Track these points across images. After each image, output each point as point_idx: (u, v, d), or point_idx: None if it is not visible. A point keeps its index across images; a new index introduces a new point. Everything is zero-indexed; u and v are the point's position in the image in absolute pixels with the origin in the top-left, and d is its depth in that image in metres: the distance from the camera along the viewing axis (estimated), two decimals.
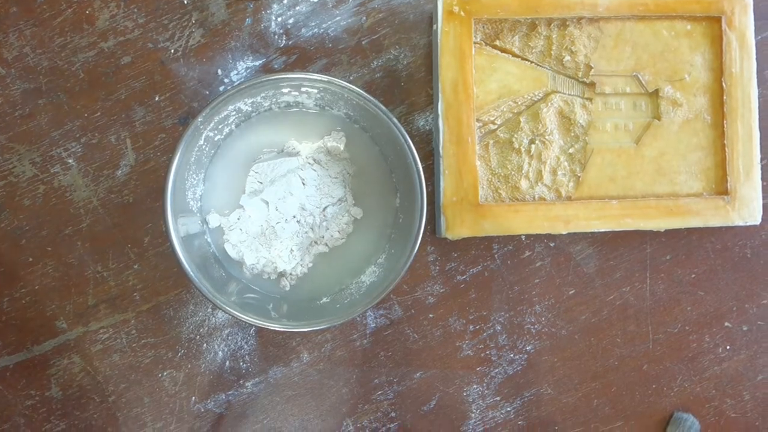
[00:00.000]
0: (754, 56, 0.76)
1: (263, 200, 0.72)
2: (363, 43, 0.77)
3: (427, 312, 0.77)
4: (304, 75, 0.68)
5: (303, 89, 0.70)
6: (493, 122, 0.75)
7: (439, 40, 0.74)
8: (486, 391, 0.78)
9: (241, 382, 0.76)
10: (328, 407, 0.77)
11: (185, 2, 0.76)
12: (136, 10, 0.76)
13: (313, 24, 0.77)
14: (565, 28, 0.76)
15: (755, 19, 0.76)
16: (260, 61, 0.77)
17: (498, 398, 0.78)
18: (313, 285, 0.75)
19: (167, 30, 0.76)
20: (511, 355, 0.78)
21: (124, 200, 0.76)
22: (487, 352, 0.78)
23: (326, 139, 0.74)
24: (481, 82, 0.75)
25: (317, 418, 0.77)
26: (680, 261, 0.79)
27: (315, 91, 0.70)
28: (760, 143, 0.77)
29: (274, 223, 0.72)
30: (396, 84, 0.77)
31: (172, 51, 0.76)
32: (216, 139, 0.72)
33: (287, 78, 0.68)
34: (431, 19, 0.78)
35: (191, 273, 0.66)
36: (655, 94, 0.76)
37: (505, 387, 0.78)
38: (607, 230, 0.75)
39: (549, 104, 0.75)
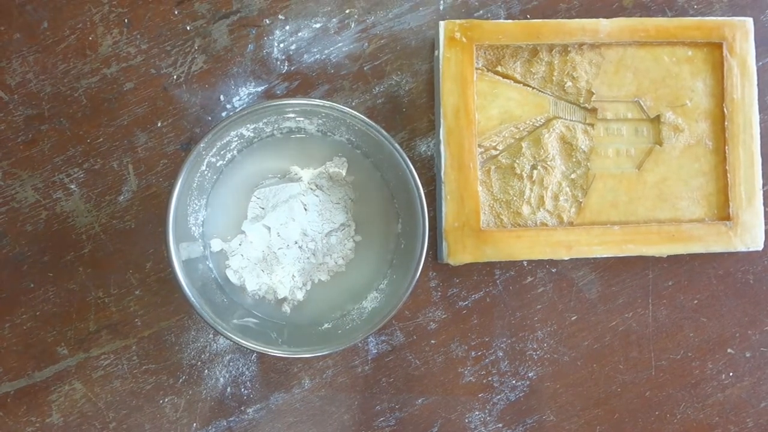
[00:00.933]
0: (756, 82, 0.76)
1: (265, 226, 0.72)
2: (365, 69, 0.78)
3: (428, 338, 0.77)
4: (306, 101, 0.68)
5: (305, 115, 0.71)
6: (494, 148, 0.75)
7: (440, 66, 0.74)
8: (488, 418, 0.78)
9: (242, 408, 0.76)
10: None
11: (188, 28, 0.76)
12: (138, 36, 0.76)
13: (315, 50, 0.77)
14: (566, 54, 0.76)
15: (756, 46, 0.77)
16: (262, 87, 0.77)
17: (500, 425, 0.78)
18: (314, 311, 0.75)
19: (170, 56, 0.76)
20: (513, 382, 0.78)
21: (126, 226, 0.76)
22: (489, 379, 0.78)
23: (328, 165, 0.74)
24: (482, 107, 0.75)
25: None
26: (682, 287, 0.79)
27: (317, 116, 0.71)
28: (762, 169, 0.77)
29: (276, 249, 0.72)
30: (398, 110, 0.78)
31: (175, 77, 0.76)
32: (218, 164, 0.72)
33: (289, 104, 0.68)
34: (433, 45, 0.78)
35: (192, 299, 0.66)
36: (656, 120, 0.76)
37: (507, 413, 0.78)
38: (609, 256, 0.75)
39: (551, 130, 0.75)
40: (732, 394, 0.79)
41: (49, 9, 0.76)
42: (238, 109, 0.76)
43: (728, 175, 0.76)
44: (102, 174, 0.76)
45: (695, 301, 0.79)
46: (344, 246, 0.74)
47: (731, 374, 0.79)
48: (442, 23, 0.74)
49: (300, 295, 0.73)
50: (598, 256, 0.75)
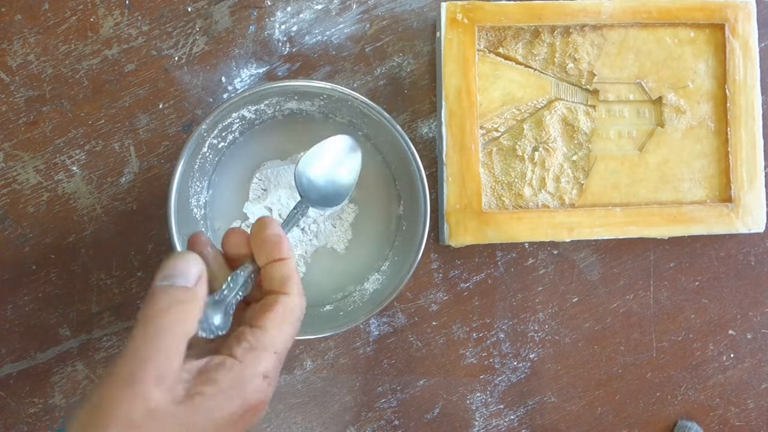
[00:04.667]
0: (758, 64, 0.76)
1: (267, 207, 0.73)
2: (366, 50, 0.77)
3: (430, 320, 0.77)
4: (307, 82, 0.68)
5: (307, 97, 0.70)
6: (496, 129, 0.75)
7: (442, 48, 0.74)
8: (489, 399, 0.78)
9: None
10: (332, 415, 0.77)
11: (189, 10, 0.76)
12: (140, 17, 0.76)
13: (316, 31, 0.77)
14: (568, 36, 0.76)
15: (758, 27, 0.76)
16: (264, 69, 0.77)
17: (501, 406, 0.78)
18: (316, 292, 0.75)
19: (171, 37, 0.76)
20: (515, 363, 0.78)
21: (128, 208, 0.76)
22: (491, 360, 0.78)
23: None
24: (484, 89, 0.75)
25: (320, 426, 0.77)
26: (684, 269, 0.79)
27: (318, 98, 0.71)
28: (764, 151, 0.76)
29: None
30: (399, 91, 0.77)
31: (176, 58, 0.76)
32: (220, 146, 0.72)
33: (291, 85, 0.68)
34: (435, 26, 0.78)
35: None
36: (658, 102, 0.76)
37: (509, 395, 0.78)
38: (611, 238, 0.75)
39: (552, 112, 0.75)
40: (733, 375, 0.80)
41: None
42: (239, 91, 0.76)
43: (730, 156, 0.76)
44: (104, 155, 0.76)
45: (696, 283, 0.79)
46: (346, 228, 0.74)
47: (732, 356, 0.79)
48: (444, 4, 0.74)
49: (301, 277, 0.73)
50: (600, 237, 0.75)
